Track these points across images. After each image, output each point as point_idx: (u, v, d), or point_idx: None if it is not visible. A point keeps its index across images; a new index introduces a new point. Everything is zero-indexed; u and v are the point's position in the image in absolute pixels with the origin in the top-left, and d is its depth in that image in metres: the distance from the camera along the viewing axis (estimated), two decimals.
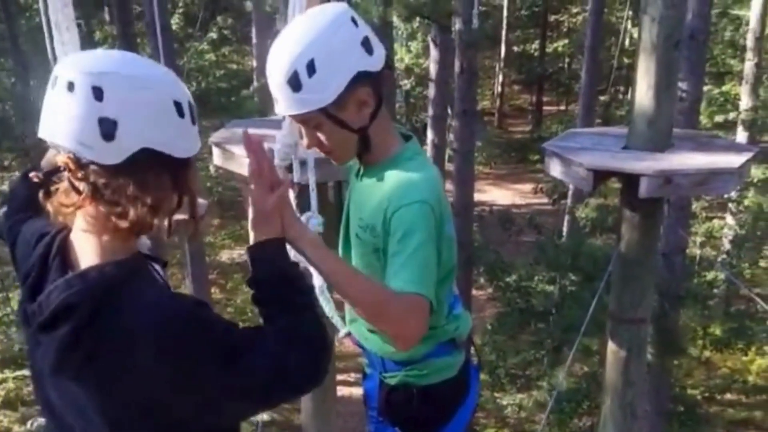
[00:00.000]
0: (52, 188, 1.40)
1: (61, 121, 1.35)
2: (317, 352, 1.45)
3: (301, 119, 1.82)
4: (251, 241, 1.58)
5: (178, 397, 1.37)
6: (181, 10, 17.22)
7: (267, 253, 1.54)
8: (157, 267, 1.57)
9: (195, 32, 16.79)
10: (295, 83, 1.73)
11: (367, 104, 1.81)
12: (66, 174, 1.38)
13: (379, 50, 1.80)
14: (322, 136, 1.83)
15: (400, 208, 1.78)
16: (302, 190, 2.36)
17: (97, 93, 1.33)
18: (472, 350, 2.33)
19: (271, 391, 1.43)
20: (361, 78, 1.76)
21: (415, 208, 1.77)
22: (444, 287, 1.99)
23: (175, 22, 16.30)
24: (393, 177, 1.85)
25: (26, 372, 12.26)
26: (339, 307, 2.43)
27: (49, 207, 1.41)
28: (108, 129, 1.33)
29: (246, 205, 1.61)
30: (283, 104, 1.79)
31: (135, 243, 1.47)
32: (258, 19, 17.48)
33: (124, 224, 1.37)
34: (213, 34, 17.92)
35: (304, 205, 2.38)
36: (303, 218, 2.11)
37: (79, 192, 1.37)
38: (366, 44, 1.76)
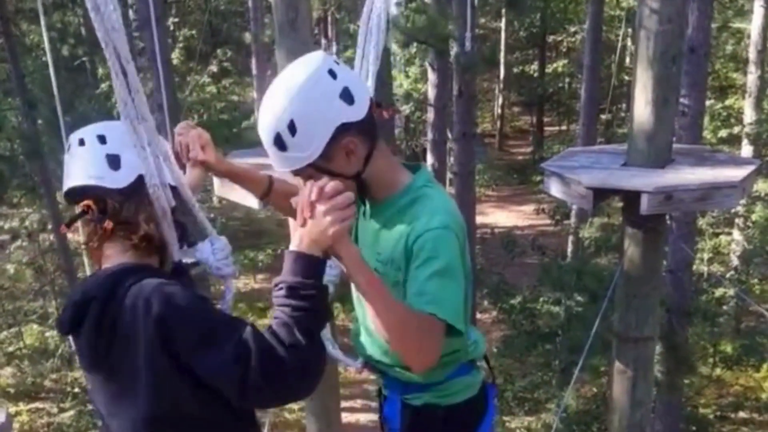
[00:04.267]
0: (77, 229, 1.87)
1: (77, 169, 1.79)
2: (284, 382, 1.55)
3: (296, 173, 1.87)
4: (293, 239, 1.66)
5: (164, 361, 1.61)
6: (181, 45, 17.37)
7: (318, 270, 1.63)
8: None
9: (196, 66, 16.92)
10: (280, 144, 1.80)
11: (355, 152, 1.83)
12: (87, 217, 1.76)
13: (362, 97, 1.82)
14: None
15: (423, 234, 1.80)
16: None
17: (101, 139, 1.78)
18: (488, 369, 2.38)
19: (224, 382, 1.57)
20: (344, 128, 1.79)
21: (437, 233, 1.80)
22: (467, 310, 2.02)
23: (175, 56, 16.46)
24: (411, 207, 1.88)
25: (39, 405, 12.37)
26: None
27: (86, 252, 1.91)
28: (114, 161, 1.76)
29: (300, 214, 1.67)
30: (276, 163, 1.87)
31: (151, 259, 1.80)
32: (258, 50, 17.61)
33: (135, 238, 1.75)
34: (213, 67, 18.05)
35: None
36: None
37: (101, 224, 1.75)
38: (345, 95, 1.78)
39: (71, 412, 11.88)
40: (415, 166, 2.02)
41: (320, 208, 1.63)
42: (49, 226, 12.88)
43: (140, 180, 1.76)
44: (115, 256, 1.78)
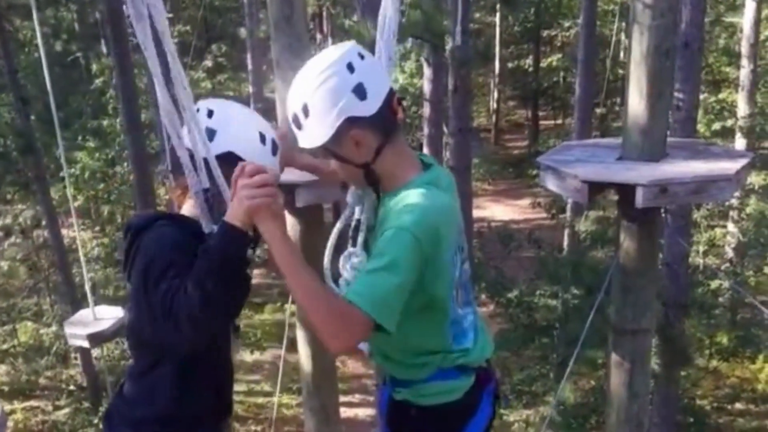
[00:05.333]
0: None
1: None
2: (177, 319, 1.81)
3: (314, 153, 2.06)
4: (228, 213, 1.84)
5: (142, 294, 1.93)
6: (176, 40, 17.30)
7: (230, 239, 1.82)
8: None
9: (190, 61, 16.88)
10: (296, 123, 1.98)
11: (363, 144, 1.94)
12: None
13: (376, 94, 1.92)
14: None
15: (384, 232, 1.89)
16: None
17: (210, 113, 2.11)
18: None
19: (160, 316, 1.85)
20: (353, 121, 1.90)
21: (392, 233, 1.86)
22: (437, 313, 2.04)
23: None
24: (398, 204, 1.94)
25: (34, 403, 12.36)
26: None
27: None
28: (210, 134, 2.04)
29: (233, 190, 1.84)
30: (297, 139, 2.03)
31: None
32: (253, 45, 17.57)
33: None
34: (208, 62, 17.99)
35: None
36: (345, 254, 2.17)
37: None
38: (358, 90, 1.90)
39: (66, 410, 11.88)
40: (428, 164, 2.08)
41: (239, 184, 1.80)
42: (43, 223, 12.83)
43: (225, 156, 2.01)
44: (184, 207, 2.15)
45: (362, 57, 1.93)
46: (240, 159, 1.99)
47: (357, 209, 2.21)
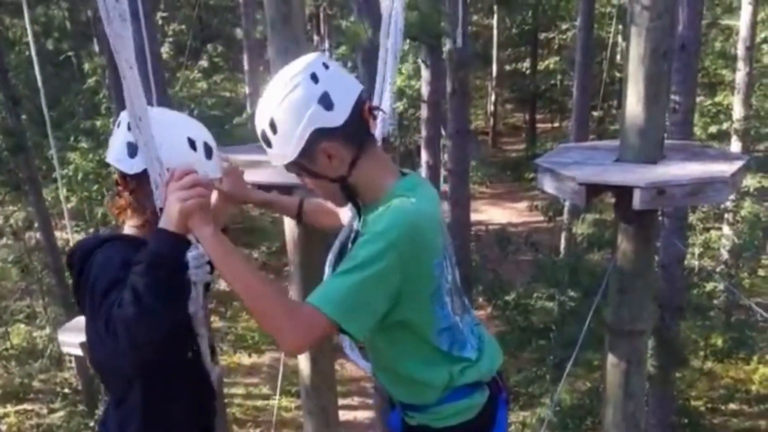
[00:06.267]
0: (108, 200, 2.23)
1: (110, 147, 2.07)
2: (115, 330, 1.76)
3: (288, 171, 1.96)
4: (162, 219, 1.81)
5: (88, 315, 1.94)
6: (170, 40, 17.28)
7: (162, 241, 1.78)
8: None
9: (186, 61, 16.83)
10: (266, 141, 1.91)
11: (335, 156, 1.87)
12: (116, 188, 2.10)
13: (343, 103, 1.85)
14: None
15: (359, 239, 1.86)
16: None
17: (129, 126, 1.91)
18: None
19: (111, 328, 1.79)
20: (322, 132, 1.84)
21: (367, 238, 1.82)
22: (423, 320, 1.97)
23: (165, 51, 16.37)
24: (379, 215, 1.88)
25: (27, 406, 12.30)
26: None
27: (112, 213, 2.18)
28: (132, 149, 1.98)
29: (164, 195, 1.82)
30: (269, 157, 1.96)
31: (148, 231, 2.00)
32: (249, 45, 17.57)
33: (141, 219, 2.06)
34: (204, 62, 17.93)
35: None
36: None
37: (120, 196, 2.08)
38: (324, 100, 1.83)
39: (61, 413, 11.78)
40: (406, 173, 2.01)
41: (170, 188, 1.78)
42: (36, 224, 12.73)
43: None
44: (124, 226, 2.12)
45: (327, 67, 1.87)
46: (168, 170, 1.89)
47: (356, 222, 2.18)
